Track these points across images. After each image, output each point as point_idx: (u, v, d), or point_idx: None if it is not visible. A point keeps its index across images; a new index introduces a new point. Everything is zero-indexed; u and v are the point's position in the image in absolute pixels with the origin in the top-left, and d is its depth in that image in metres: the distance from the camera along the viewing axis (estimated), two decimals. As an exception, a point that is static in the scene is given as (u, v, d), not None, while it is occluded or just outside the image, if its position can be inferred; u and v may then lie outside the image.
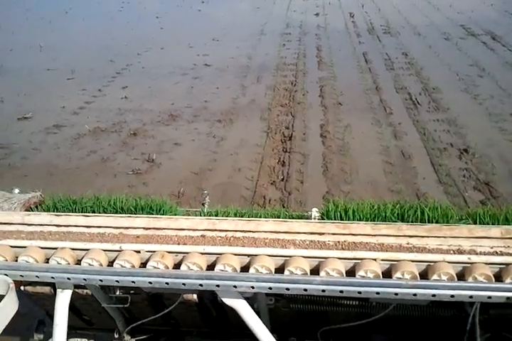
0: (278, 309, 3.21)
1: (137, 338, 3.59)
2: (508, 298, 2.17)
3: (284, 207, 7.05)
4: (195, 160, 8.45)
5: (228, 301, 2.42)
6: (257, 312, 3.12)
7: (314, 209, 3.51)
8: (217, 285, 2.27)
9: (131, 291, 3.13)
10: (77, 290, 3.05)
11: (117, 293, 3.06)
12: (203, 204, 4.86)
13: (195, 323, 3.68)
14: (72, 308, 3.57)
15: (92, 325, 3.89)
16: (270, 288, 2.26)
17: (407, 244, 2.42)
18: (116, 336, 3.50)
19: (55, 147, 9.11)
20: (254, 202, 7.22)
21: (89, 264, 2.40)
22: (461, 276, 2.29)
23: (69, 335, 3.84)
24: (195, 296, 3.16)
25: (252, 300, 2.90)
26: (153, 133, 9.52)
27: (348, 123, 9.75)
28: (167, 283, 2.29)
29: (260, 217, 3.17)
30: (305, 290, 2.24)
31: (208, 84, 12.35)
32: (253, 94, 11.64)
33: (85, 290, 3.02)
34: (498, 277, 2.27)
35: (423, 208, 3.08)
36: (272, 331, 3.53)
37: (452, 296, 2.18)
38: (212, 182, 7.83)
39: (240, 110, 10.62)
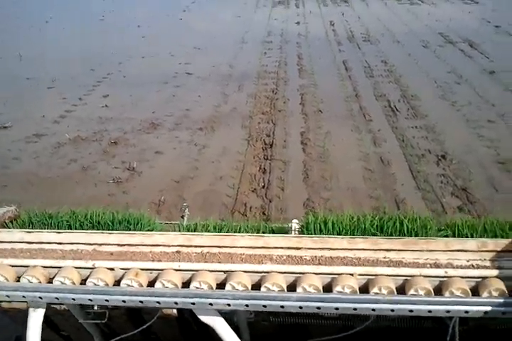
0: (258, 323, 3.15)
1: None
2: (485, 312, 2.14)
3: (264, 214, 7.00)
4: (176, 168, 8.36)
5: (204, 319, 2.36)
6: (237, 327, 3.08)
7: (294, 221, 3.47)
8: (193, 303, 2.21)
9: (109, 306, 3.07)
10: (53, 305, 3.00)
11: (95, 308, 2.98)
12: (182, 217, 4.79)
13: (176, 338, 3.61)
14: (50, 324, 3.49)
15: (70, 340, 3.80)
16: (247, 305, 2.20)
17: (384, 257, 2.38)
18: (93, 353, 3.39)
19: (35, 156, 8.95)
20: (235, 209, 7.15)
21: (62, 282, 2.33)
22: (438, 290, 2.25)
23: (47, 351, 3.77)
24: (174, 311, 3.10)
25: (231, 314, 2.85)
26: (134, 142, 9.40)
27: (328, 130, 9.73)
28: (141, 302, 2.22)
29: (240, 229, 3.11)
30: (282, 307, 2.19)
31: (189, 93, 12.26)
32: (234, 102, 11.58)
33: (62, 306, 2.95)
34: (475, 291, 2.24)
35: (402, 219, 3.05)
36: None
37: (430, 311, 2.15)
38: (193, 190, 7.74)
39: (221, 118, 10.56)
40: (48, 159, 8.86)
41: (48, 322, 3.40)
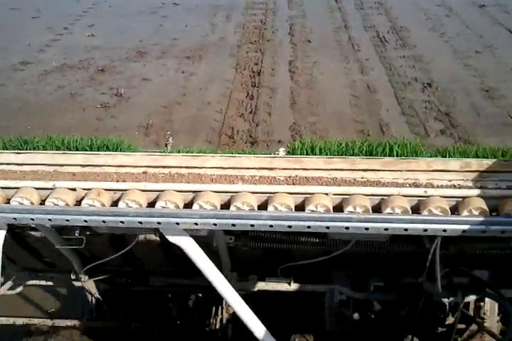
0: (238, 248, 2.99)
1: (95, 278, 3.36)
2: (463, 230, 1.95)
3: (251, 137, 6.80)
4: (163, 95, 8.06)
5: (172, 239, 2.15)
6: (216, 252, 2.91)
7: (281, 150, 3.24)
8: (159, 223, 1.99)
9: (88, 232, 2.88)
10: (32, 232, 2.85)
11: (75, 234, 2.81)
12: (166, 145, 4.57)
13: (160, 263, 3.47)
14: (32, 250, 3.30)
15: (53, 267, 3.65)
16: (215, 225, 1.99)
17: (362, 178, 2.15)
18: (73, 277, 3.24)
19: (22, 83, 8.57)
20: (223, 132, 6.96)
21: (20, 203, 2.10)
22: (416, 210, 2.05)
23: (29, 278, 3.63)
24: (155, 237, 2.93)
25: (209, 238, 2.69)
26: (121, 69, 8.99)
27: (316, 59, 9.32)
28: (104, 222, 2.01)
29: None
30: (252, 225, 1.98)
31: (176, 23, 11.65)
32: (222, 32, 11.04)
33: (40, 233, 2.78)
34: (455, 210, 2.04)
35: (392, 145, 2.83)
36: (233, 269, 3.35)
37: (406, 230, 1.95)
38: (181, 114, 7.51)
39: (209, 47, 10.07)
40: (35, 86, 8.49)
41: (29, 249, 3.26)
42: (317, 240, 2.74)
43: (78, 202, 2.09)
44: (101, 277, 3.32)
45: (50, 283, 3.52)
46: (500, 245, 2.77)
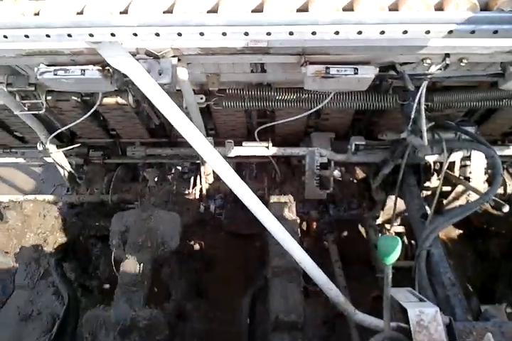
0: (211, 109, 2.66)
1: (65, 150, 3.04)
2: (450, 31, 1.54)
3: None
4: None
5: (114, 62, 1.72)
6: (190, 119, 2.57)
7: None
8: (91, 35, 1.57)
9: (50, 97, 2.56)
10: None
11: (39, 99, 2.49)
12: None
13: (139, 134, 3.16)
14: (2, 126, 3.07)
15: (26, 142, 3.35)
16: (157, 35, 1.56)
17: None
18: (39, 148, 2.94)
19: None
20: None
21: None
22: (394, 8, 1.65)
23: (1, 154, 3.33)
24: (131, 105, 2.58)
25: (178, 97, 2.39)
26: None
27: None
28: (27, 36, 1.61)
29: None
30: (201, 34, 1.57)
31: None
32: None
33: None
34: (439, 9, 1.65)
35: None
36: (208, 135, 3.04)
37: (382, 32, 1.54)
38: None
39: None
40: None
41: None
42: (296, 96, 2.47)
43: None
44: (70, 148, 3.00)
45: (22, 160, 3.21)
46: (487, 95, 2.43)
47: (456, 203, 3.02)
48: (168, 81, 1.96)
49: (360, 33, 1.50)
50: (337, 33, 1.49)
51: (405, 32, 1.52)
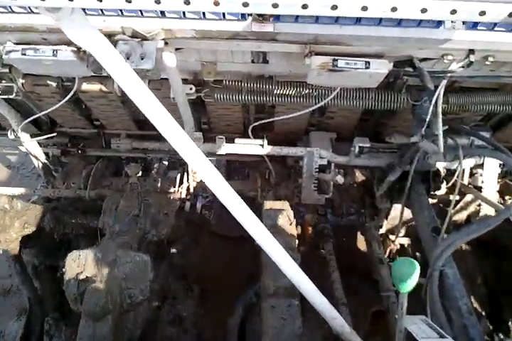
0: (200, 101, 2.39)
1: (38, 138, 2.75)
2: None
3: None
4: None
5: (73, 35, 1.28)
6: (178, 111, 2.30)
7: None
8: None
9: (26, 81, 2.27)
10: None
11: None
12: None
13: (125, 126, 2.89)
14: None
15: (3, 129, 3.05)
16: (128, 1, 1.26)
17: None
18: (10, 136, 2.66)
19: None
20: None
21: None
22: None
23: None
24: (116, 94, 2.29)
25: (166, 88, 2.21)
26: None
27: None
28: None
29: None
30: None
31: None
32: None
33: None
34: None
35: None
36: (200, 129, 2.76)
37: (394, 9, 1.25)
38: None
39: None
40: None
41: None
42: (299, 91, 2.20)
43: None
44: (44, 137, 2.72)
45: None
46: (510, 99, 2.18)
47: (464, 213, 2.79)
48: (151, 66, 1.68)
49: (394, 9, 1.21)
50: (365, 8, 1.20)
51: (454, 11, 1.23)
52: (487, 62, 1.90)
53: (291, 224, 2.23)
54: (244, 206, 1.42)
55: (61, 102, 2.38)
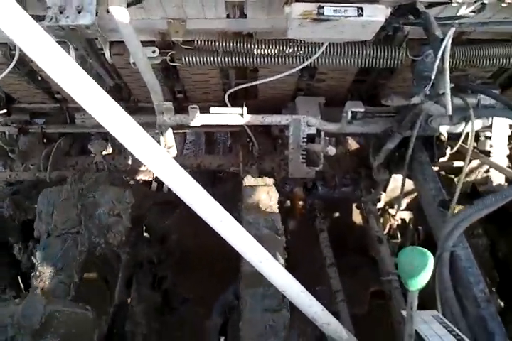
0: (172, 66, 2.09)
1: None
2: None
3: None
4: None
5: None
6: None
7: None
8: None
9: None
10: None
11: None
12: None
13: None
14: None
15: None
16: None
17: None
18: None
19: None
20: None
21: None
22: None
23: None
24: (72, 53, 1.94)
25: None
26: None
27: None
28: None
29: None
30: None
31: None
32: None
33: None
34: None
35: None
36: (175, 99, 2.45)
37: None
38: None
39: None
40: None
41: None
42: (283, 49, 1.88)
43: None
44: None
45: None
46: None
47: (469, 181, 2.51)
48: (89, 22, 1.34)
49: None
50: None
51: None
52: (503, 5, 1.58)
53: (274, 202, 1.95)
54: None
55: (5, 72, 2.03)
